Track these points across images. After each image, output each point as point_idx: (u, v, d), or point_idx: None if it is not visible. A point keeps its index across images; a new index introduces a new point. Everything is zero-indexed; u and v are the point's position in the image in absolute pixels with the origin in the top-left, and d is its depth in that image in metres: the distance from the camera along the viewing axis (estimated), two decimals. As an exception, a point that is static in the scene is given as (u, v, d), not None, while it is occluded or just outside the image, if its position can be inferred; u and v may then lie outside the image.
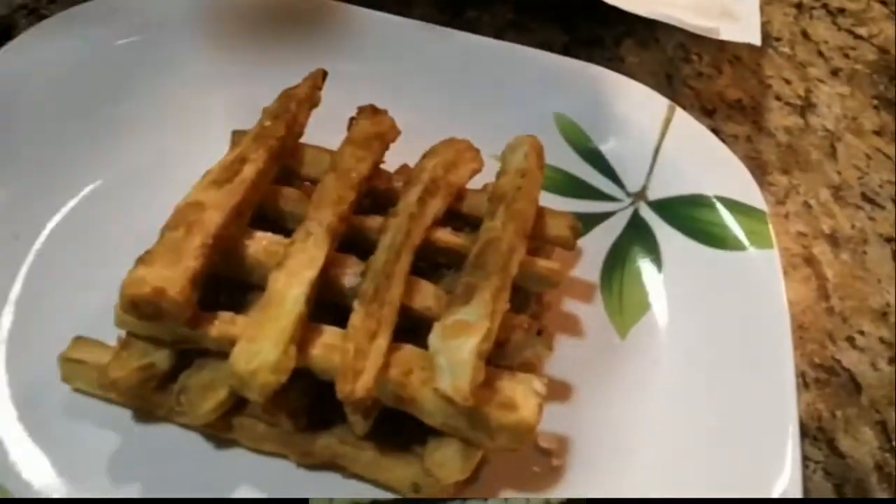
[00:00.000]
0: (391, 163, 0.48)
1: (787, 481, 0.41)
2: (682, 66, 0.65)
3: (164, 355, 0.40)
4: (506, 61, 0.56)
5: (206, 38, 0.56)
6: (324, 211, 0.41)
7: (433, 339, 0.38)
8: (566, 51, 0.63)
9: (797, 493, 0.41)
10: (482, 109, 0.54)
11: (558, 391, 0.45)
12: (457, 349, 0.37)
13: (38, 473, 0.41)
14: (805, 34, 0.69)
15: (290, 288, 0.38)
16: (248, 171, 0.42)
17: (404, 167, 0.48)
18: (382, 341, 0.38)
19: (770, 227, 0.49)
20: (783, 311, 0.46)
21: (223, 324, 0.39)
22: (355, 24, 0.56)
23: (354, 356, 0.37)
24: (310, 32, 0.56)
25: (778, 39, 0.68)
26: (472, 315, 0.38)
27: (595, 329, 0.48)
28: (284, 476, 0.41)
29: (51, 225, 0.48)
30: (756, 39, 0.57)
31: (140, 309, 0.38)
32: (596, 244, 0.51)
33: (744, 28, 0.58)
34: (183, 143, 0.51)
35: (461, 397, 0.37)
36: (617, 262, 0.51)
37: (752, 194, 0.51)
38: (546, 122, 0.54)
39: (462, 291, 0.40)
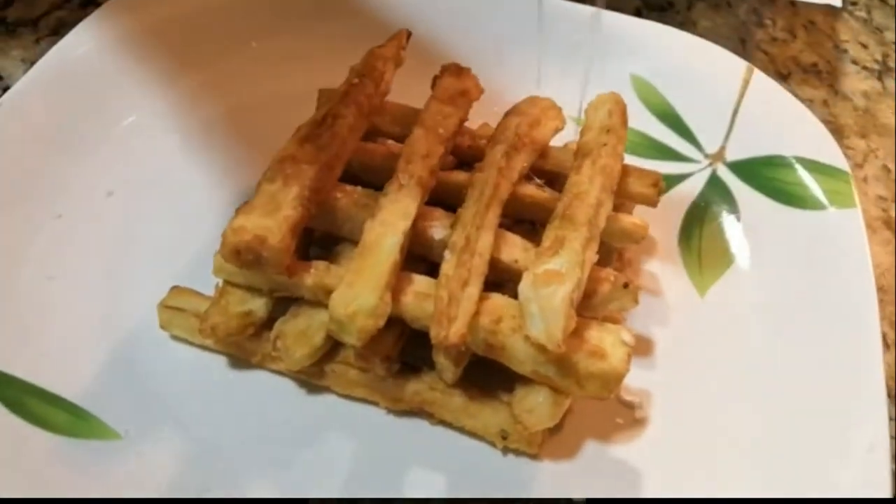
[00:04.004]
0: (469, 123, 0.48)
1: (873, 441, 0.41)
2: (756, 30, 0.64)
3: (262, 303, 0.42)
4: (582, 23, 0.56)
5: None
6: (414, 164, 0.42)
7: (524, 287, 0.39)
8: (638, 14, 0.63)
9: (885, 454, 0.40)
10: (559, 71, 0.55)
11: (639, 346, 0.45)
12: (548, 297, 0.38)
13: (138, 418, 0.42)
14: (882, -2, 0.68)
15: (385, 237, 0.39)
16: (339, 127, 0.43)
17: (485, 126, 0.49)
18: (474, 289, 0.39)
19: (853, 186, 0.49)
20: (868, 272, 0.46)
21: (318, 273, 0.41)
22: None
23: (448, 303, 0.38)
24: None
25: (854, 3, 0.67)
26: (562, 264, 0.39)
27: (674, 287, 0.48)
28: (374, 422, 0.43)
29: (144, 181, 0.50)
30: (836, 0, 0.57)
31: (241, 257, 0.39)
32: (674, 204, 0.51)
33: (823, -10, 0.58)
34: (270, 101, 0.53)
35: (553, 344, 0.37)
36: (696, 221, 0.51)
37: (832, 154, 0.51)
38: (623, 84, 0.54)
39: (551, 243, 0.40)
